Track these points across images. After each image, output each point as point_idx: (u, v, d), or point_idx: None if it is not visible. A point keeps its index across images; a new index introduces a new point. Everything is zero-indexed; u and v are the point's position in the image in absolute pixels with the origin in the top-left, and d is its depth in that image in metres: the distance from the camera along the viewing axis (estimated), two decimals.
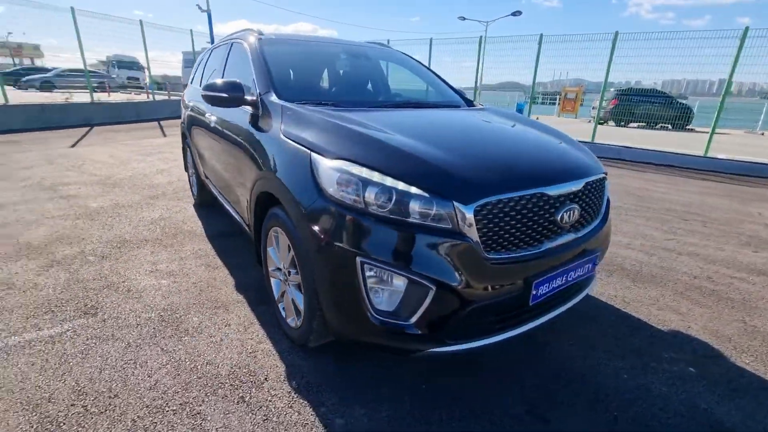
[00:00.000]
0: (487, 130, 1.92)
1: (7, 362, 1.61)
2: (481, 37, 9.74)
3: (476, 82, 10.50)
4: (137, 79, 20.35)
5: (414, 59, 2.97)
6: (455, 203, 1.25)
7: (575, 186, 1.50)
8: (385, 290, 1.26)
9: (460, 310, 1.26)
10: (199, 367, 1.62)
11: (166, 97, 13.51)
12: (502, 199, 1.31)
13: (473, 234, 1.26)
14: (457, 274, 1.23)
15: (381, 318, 1.28)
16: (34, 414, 1.36)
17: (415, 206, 1.24)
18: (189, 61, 15.32)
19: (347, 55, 2.74)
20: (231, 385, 1.53)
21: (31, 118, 8.80)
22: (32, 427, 1.31)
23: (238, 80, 1.95)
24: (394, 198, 1.25)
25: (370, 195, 1.27)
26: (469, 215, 1.25)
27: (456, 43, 10.73)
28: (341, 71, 2.68)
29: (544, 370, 1.66)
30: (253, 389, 1.51)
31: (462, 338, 1.33)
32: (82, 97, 11.13)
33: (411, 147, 1.43)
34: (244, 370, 1.61)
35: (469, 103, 2.55)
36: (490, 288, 1.30)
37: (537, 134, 1.91)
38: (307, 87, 2.33)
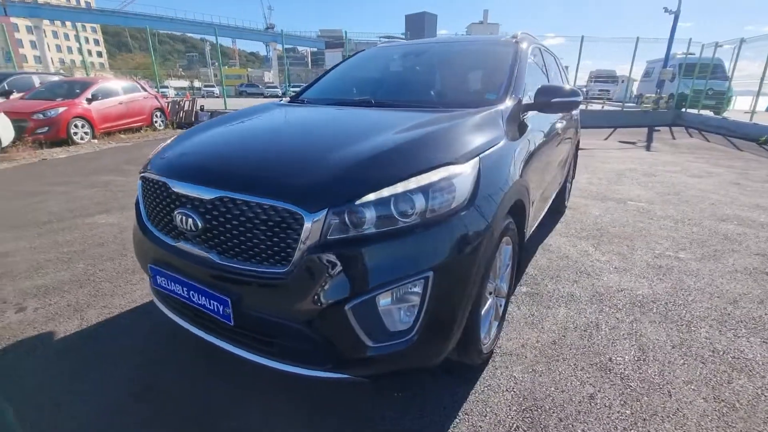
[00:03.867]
0: (309, 129, 1.90)
1: None
2: None
3: None
4: (607, 90, 22.39)
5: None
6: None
7: (204, 194, 1.37)
8: None
9: None
10: None
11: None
12: (158, 180, 1.54)
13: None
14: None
15: None
16: None
17: None
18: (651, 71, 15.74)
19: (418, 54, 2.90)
20: None
21: None
22: None
23: None
24: None
25: None
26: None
27: None
28: (395, 71, 2.84)
29: None
30: None
31: None
32: None
33: (199, 144, 1.73)
34: None
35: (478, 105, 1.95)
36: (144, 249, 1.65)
37: (356, 144, 1.49)
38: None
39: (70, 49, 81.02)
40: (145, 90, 11.09)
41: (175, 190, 1.47)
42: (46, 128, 8.22)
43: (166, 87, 41.56)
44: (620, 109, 15.00)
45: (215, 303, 1.40)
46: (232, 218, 1.35)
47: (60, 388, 1.73)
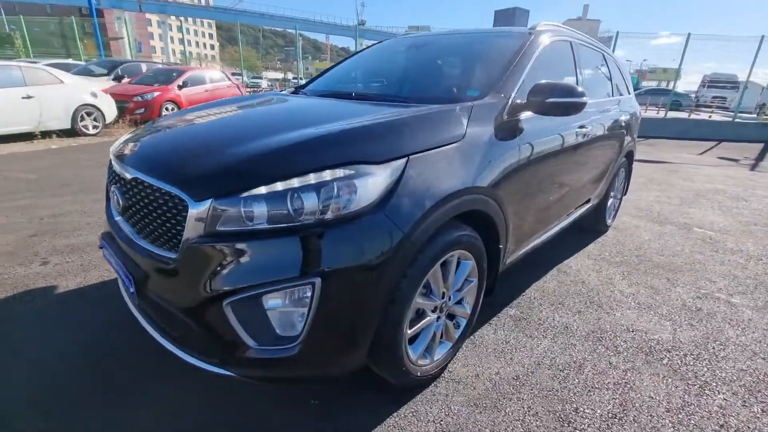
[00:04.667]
0: (251, 119, 1.87)
1: None
2: None
3: None
4: (723, 98, 19.17)
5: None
6: None
7: (126, 174, 1.43)
8: None
9: None
10: None
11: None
12: (110, 159, 1.64)
13: None
14: None
15: None
16: None
17: None
18: None
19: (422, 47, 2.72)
20: None
21: None
22: None
23: None
24: None
25: None
26: None
27: None
28: (390, 65, 2.73)
29: None
30: None
31: None
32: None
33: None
34: None
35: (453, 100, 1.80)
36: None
37: (287, 131, 1.42)
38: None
39: (189, 42, 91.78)
40: (229, 80, 12.11)
41: (113, 168, 1.57)
42: (143, 109, 9.40)
43: (260, 78, 45.10)
44: (731, 120, 12.77)
45: (126, 279, 1.45)
46: (141, 199, 1.38)
47: (28, 333, 1.94)
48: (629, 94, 3.70)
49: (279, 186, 1.20)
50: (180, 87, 10.20)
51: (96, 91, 8.37)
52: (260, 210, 1.19)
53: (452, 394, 1.69)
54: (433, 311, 1.65)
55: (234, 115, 1.92)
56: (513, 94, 1.89)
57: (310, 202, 1.20)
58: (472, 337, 2.08)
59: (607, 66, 3.20)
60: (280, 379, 1.39)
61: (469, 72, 2.26)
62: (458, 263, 1.70)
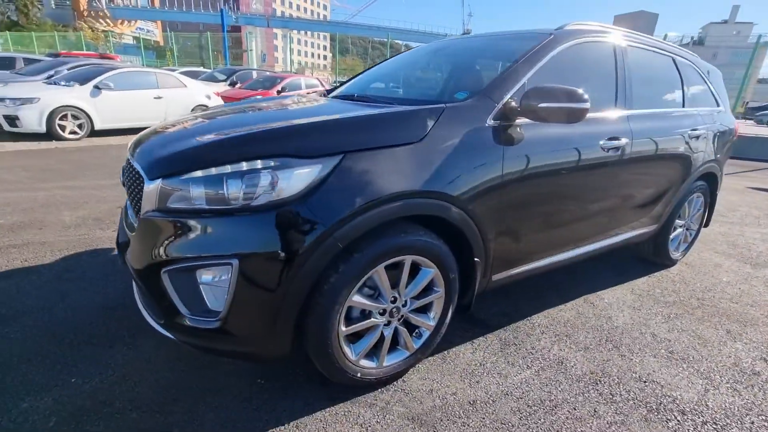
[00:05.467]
0: (246, 116, 1.95)
1: None
2: None
3: None
4: None
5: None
6: None
7: (128, 157, 1.68)
8: None
9: None
10: None
11: None
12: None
13: None
14: None
15: None
16: None
17: None
18: None
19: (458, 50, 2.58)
20: None
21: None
22: None
23: None
24: None
25: None
26: None
27: None
28: (408, 68, 2.73)
29: None
30: None
31: None
32: None
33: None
34: None
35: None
36: None
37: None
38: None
39: (306, 53, 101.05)
40: (323, 86, 13.07)
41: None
42: None
43: None
44: None
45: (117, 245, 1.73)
46: (128, 178, 1.65)
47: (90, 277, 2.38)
48: (718, 106, 3.10)
49: (213, 171, 1.33)
50: (279, 92, 11.35)
51: (210, 94, 9.77)
52: (198, 191, 1.33)
53: (394, 404, 1.63)
54: (381, 314, 1.61)
55: (225, 114, 2.03)
56: (506, 99, 1.75)
57: (236, 187, 1.29)
58: (445, 352, 1.97)
59: (679, 73, 2.74)
60: (211, 350, 1.50)
61: (466, 75, 2.16)
62: (418, 270, 1.65)
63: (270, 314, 1.35)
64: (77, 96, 7.28)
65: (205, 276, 1.35)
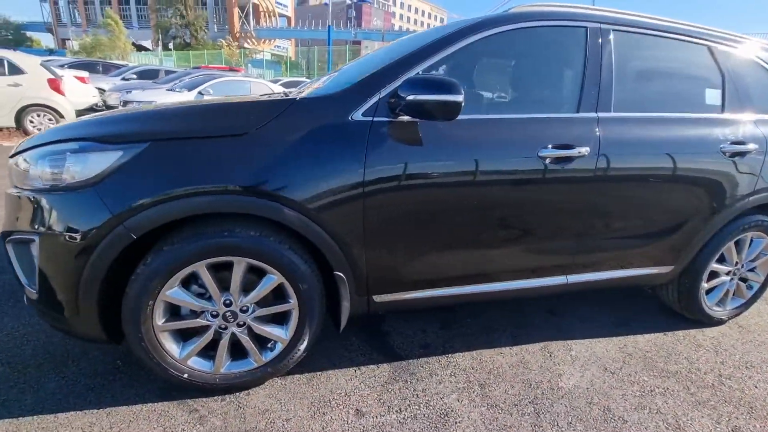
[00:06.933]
0: None
1: None
2: None
3: None
4: None
5: None
6: None
7: None
8: None
9: None
10: None
11: None
12: None
13: None
14: None
15: None
16: None
17: None
18: None
19: None
20: None
21: None
22: None
23: None
24: None
25: None
26: None
27: None
28: None
29: None
30: None
31: None
32: None
33: None
34: None
35: None
36: None
37: None
38: None
39: None
40: None
41: None
42: None
43: None
44: None
45: None
46: None
47: None
48: None
49: (29, 152, 1.43)
50: None
51: None
52: (18, 170, 1.46)
53: (217, 415, 1.52)
54: (214, 316, 1.52)
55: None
56: (384, 92, 1.51)
57: (40, 169, 1.37)
58: (318, 373, 1.76)
59: (719, 66, 2.02)
60: (51, 324, 1.57)
61: (367, 69, 1.90)
62: (265, 274, 1.51)
63: (70, 294, 1.37)
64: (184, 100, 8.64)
65: (34, 250, 1.43)
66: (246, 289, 1.52)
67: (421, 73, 1.56)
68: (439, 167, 1.56)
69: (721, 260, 2.22)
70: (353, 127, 1.48)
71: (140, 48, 34.85)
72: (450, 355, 1.95)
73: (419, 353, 1.95)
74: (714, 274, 2.23)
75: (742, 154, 1.98)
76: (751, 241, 2.24)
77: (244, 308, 1.54)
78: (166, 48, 37.62)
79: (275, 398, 1.62)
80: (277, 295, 1.56)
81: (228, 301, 1.50)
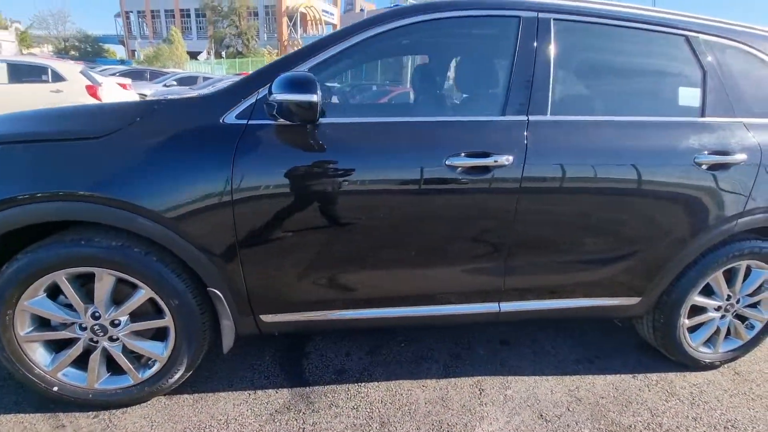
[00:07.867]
0: None
1: None
2: None
3: None
4: None
5: None
6: None
7: None
8: None
9: None
10: None
11: None
12: None
13: None
14: None
15: None
16: None
17: None
18: None
19: None
20: None
21: None
22: None
23: None
24: None
25: None
26: None
27: None
28: None
29: None
30: None
31: None
32: None
33: None
34: None
35: None
36: None
37: None
38: None
39: None
40: None
41: None
42: None
43: None
44: None
45: None
46: None
47: None
48: None
49: None
50: None
51: None
52: None
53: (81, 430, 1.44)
54: (83, 329, 1.44)
55: None
56: (261, 93, 1.37)
57: None
58: (209, 395, 1.65)
59: (698, 61, 1.66)
60: None
61: None
62: (134, 288, 1.42)
63: None
64: None
65: None
66: (118, 301, 1.44)
67: (307, 70, 1.40)
68: (315, 177, 1.39)
69: (709, 293, 1.85)
70: (222, 130, 1.35)
71: (194, 56, 37.27)
72: (364, 384, 1.76)
73: (330, 379, 1.77)
74: (698, 309, 1.86)
75: (725, 166, 1.62)
76: (749, 271, 1.84)
77: (116, 321, 1.45)
78: (218, 56, 39.85)
79: (149, 420, 1.51)
80: (157, 309, 1.46)
81: (96, 314, 1.43)
